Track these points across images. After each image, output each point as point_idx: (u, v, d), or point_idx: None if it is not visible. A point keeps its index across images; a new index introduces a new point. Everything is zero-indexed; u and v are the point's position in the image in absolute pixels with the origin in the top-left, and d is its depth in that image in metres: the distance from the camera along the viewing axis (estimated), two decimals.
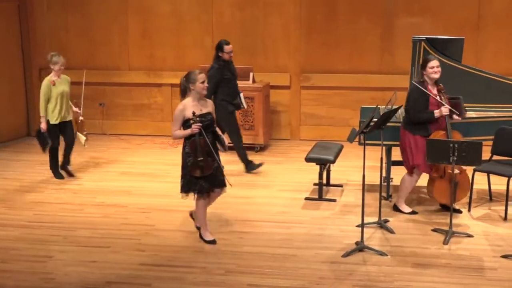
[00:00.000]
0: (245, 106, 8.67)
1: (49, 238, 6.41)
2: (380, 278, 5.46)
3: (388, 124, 6.45)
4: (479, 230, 6.51)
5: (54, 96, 8.07)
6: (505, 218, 6.77)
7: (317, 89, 8.19)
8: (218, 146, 6.08)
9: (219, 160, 6.08)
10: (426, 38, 7.62)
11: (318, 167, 7.49)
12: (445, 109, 6.51)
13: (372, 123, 6.14)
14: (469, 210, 6.98)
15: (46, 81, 8.13)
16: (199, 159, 5.91)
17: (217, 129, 6.17)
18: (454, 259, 5.84)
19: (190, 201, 7.45)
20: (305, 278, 5.48)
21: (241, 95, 8.52)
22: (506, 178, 6.70)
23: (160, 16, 10.68)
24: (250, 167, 8.53)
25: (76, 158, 9.39)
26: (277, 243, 6.23)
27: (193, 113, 5.88)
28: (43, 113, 8.08)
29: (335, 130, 9.98)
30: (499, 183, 6.92)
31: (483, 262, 5.77)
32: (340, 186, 7.97)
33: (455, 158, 5.98)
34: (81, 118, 8.38)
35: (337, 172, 8.13)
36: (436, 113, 6.54)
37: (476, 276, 5.50)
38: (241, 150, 8.50)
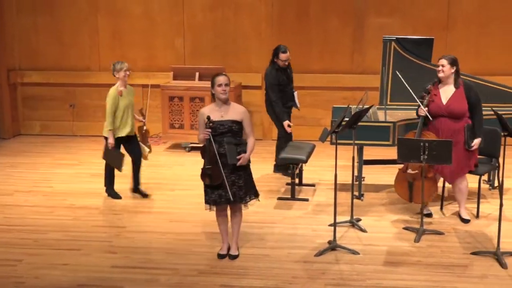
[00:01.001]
0: (298, 106, 8.46)
1: (19, 242, 6.32)
2: (352, 277, 5.50)
3: (360, 123, 6.48)
4: (449, 227, 6.58)
5: (121, 108, 7.28)
6: (477, 216, 6.86)
7: None
8: (228, 158, 5.60)
9: (222, 173, 5.59)
10: (397, 38, 7.70)
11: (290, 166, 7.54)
12: (420, 110, 6.56)
13: (343, 123, 6.17)
14: (441, 208, 7.05)
15: (113, 92, 7.29)
16: (207, 167, 5.66)
17: (248, 140, 5.74)
18: (425, 257, 5.90)
19: (163, 203, 7.44)
20: (278, 278, 5.48)
21: (295, 94, 8.37)
22: (478, 176, 6.81)
23: (131, 17, 10.61)
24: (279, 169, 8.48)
25: (45, 159, 9.29)
26: (250, 243, 6.23)
27: (208, 118, 5.58)
28: (110, 126, 7.26)
29: (307, 130, 10.01)
30: (471, 181, 6.98)
31: (454, 259, 5.84)
32: (313, 185, 8.00)
33: (425, 157, 6.04)
34: (145, 127, 7.69)
35: (309, 172, 8.17)
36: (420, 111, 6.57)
37: (446, 273, 5.57)
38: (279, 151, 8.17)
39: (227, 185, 5.61)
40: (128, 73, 7.39)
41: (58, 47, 10.81)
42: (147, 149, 7.66)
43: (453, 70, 6.44)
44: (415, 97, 6.60)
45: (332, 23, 10.22)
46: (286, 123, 8.12)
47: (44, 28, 10.79)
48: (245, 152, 5.68)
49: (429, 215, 6.85)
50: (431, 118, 6.50)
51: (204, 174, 5.70)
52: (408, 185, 6.64)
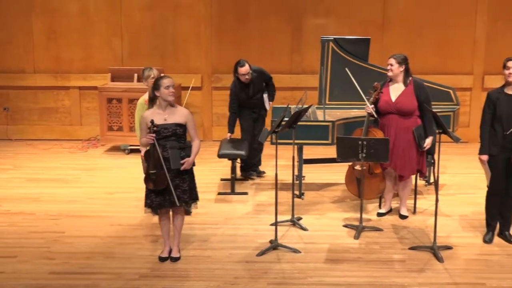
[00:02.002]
0: (267, 108, 8.16)
1: None
2: (294, 275, 5.54)
3: (299, 123, 6.54)
4: (388, 224, 6.72)
5: None
6: (414, 212, 7.02)
7: (228, 90, 8.23)
8: (172, 163, 5.53)
9: (167, 177, 5.53)
10: (334, 38, 7.81)
11: (229, 167, 7.67)
12: (366, 108, 6.65)
13: (283, 123, 6.21)
14: (379, 206, 7.18)
15: (141, 100, 6.79)
16: (151, 171, 5.57)
17: (193, 144, 5.68)
18: (365, 253, 6.00)
19: (102, 206, 7.32)
20: (220, 279, 5.47)
21: (265, 96, 8.11)
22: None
23: (67, 16, 10.38)
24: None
25: None
26: (192, 245, 6.20)
27: (152, 122, 5.49)
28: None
29: None
30: None
31: (393, 255, 5.96)
32: (253, 178, 8.18)
33: (364, 155, 6.14)
34: None
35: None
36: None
37: (386, 268, 5.68)
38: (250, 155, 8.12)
39: (172, 189, 5.56)
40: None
41: None
42: None
43: (401, 69, 6.54)
44: (361, 94, 6.69)
45: (271, 23, 10.28)
46: (229, 134, 8.06)
47: None
48: (189, 156, 5.64)
49: (383, 214, 6.98)
50: (375, 116, 6.61)
51: (148, 179, 5.63)
52: (357, 181, 6.73)
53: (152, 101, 5.68)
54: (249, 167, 8.28)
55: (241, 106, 8.04)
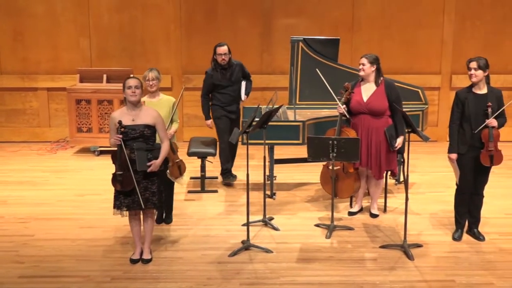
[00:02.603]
0: (242, 98, 7.94)
1: None
2: (266, 275, 5.55)
3: (270, 123, 6.54)
4: (359, 223, 6.76)
5: None
6: (385, 210, 7.08)
7: (199, 90, 8.20)
8: (138, 164, 5.48)
9: (133, 179, 5.50)
10: (304, 38, 7.83)
11: (199, 166, 7.70)
12: (338, 108, 6.66)
13: (254, 123, 6.21)
14: (350, 205, 7.22)
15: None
16: (118, 173, 5.54)
17: (162, 145, 5.63)
18: (336, 252, 6.03)
19: (72, 209, 7.23)
20: (192, 280, 5.46)
21: (243, 84, 7.91)
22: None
23: (33, 17, 10.24)
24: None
25: None
26: (163, 246, 6.16)
27: (119, 122, 5.46)
28: None
29: None
30: None
31: (364, 253, 6.01)
32: (216, 177, 8.15)
33: (334, 155, 6.17)
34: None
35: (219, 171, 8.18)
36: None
37: (357, 267, 5.72)
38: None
39: (139, 192, 5.53)
40: (152, 82, 6.48)
41: None
42: (181, 180, 6.70)
43: (373, 69, 6.58)
44: (333, 94, 6.72)
45: (240, 23, 10.28)
46: (207, 122, 7.93)
47: None
48: (157, 158, 5.60)
49: (354, 213, 7.01)
50: (347, 116, 6.65)
51: (115, 180, 5.59)
52: (332, 180, 6.75)
53: (124, 100, 5.68)
54: (227, 172, 8.07)
55: (217, 98, 7.82)
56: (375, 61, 6.58)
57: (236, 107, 7.94)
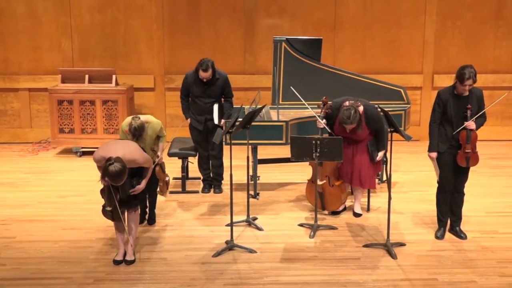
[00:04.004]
0: (215, 121, 7.40)
1: None
2: (250, 275, 5.55)
3: (253, 123, 6.55)
4: (342, 222, 6.79)
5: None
6: (368, 209, 7.11)
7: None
8: (120, 192, 5.59)
9: (120, 214, 5.65)
10: (287, 38, 7.85)
11: (180, 167, 7.68)
12: (318, 123, 6.66)
13: (237, 123, 6.21)
14: None
15: (123, 125, 6.34)
16: (107, 208, 5.65)
17: (144, 175, 5.78)
18: (320, 252, 6.05)
19: (54, 210, 7.18)
20: (176, 281, 5.44)
21: (215, 107, 7.40)
22: None
23: (14, 17, 10.14)
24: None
25: None
26: (146, 247, 6.14)
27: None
28: None
29: None
30: None
31: (347, 253, 6.03)
32: (199, 178, 8.04)
33: (317, 154, 6.19)
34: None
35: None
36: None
37: (341, 266, 5.74)
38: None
39: (119, 211, 5.65)
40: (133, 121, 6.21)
41: None
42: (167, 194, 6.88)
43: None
44: (311, 110, 6.72)
45: (223, 23, 10.27)
46: (188, 121, 7.60)
47: None
48: (139, 183, 5.77)
49: (337, 212, 7.02)
50: (329, 131, 6.66)
51: (105, 212, 5.73)
52: (319, 194, 6.77)
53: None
54: (208, 179, 7.89)
55: (191, 104, 7.51)
56: (359, 120, 6.45)
57: (206, 119, 7.43)
